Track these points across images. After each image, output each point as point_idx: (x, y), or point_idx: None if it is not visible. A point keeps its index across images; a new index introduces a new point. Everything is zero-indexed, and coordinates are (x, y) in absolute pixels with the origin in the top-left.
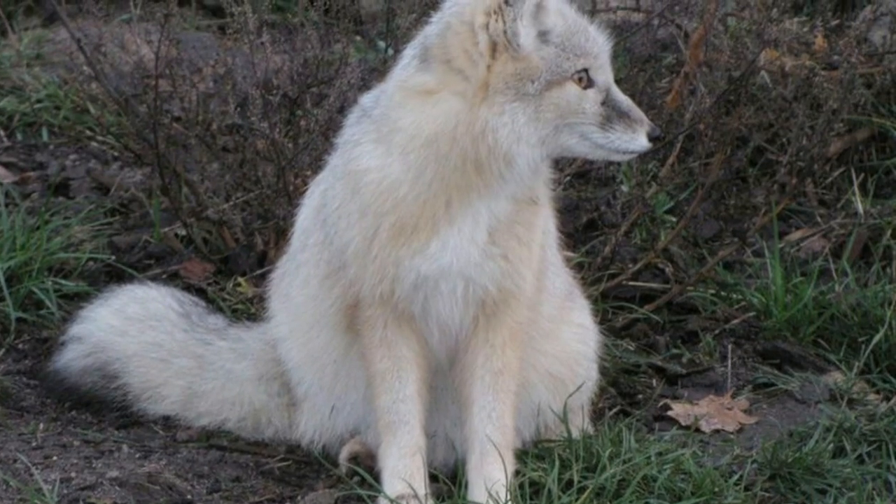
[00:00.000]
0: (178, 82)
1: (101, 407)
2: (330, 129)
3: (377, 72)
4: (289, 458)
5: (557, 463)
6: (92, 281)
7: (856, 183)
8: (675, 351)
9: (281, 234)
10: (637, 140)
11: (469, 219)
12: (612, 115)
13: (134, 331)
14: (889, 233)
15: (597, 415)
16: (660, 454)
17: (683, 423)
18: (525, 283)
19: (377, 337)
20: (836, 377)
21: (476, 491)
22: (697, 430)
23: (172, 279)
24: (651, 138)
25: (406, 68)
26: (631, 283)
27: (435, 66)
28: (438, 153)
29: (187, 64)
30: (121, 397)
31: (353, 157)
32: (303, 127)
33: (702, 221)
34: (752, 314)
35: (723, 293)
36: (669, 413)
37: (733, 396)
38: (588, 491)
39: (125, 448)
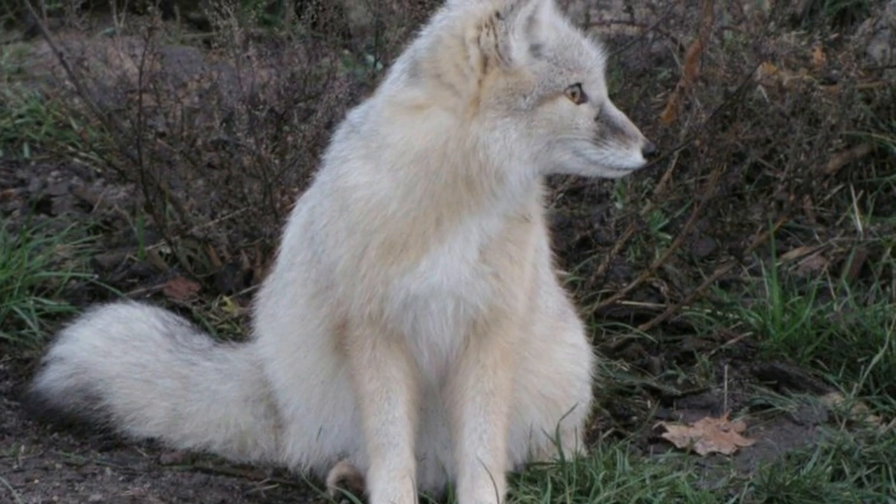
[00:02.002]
0: (163, 97)
1: (84, 429)
2: (317, 146)
3: (366, 86)
4: (275, 481)
5: (550, 486)
6: (74, 300)
7: (855, 200)
8: (670, 372)
9: (267, 253)
10: (631, 156)
11: (460, 237)
12: (605, 130)
13: (117, 351)
14: (889, 251)
15: (590, 437)
16: (654, 477)
17: (679, 446)
18: (517, 303)
19: (366, 357)
20: (834, 398)
21: None
22: (693, 452)
23: (157, 298)
24: (646, 154)
25: (395, 83)
26: (625, 302)
27: (425, 80)
28: (428, 170)
29: (172, 78)
30: (104, 419)
31: (342, 173)
32: (290, 143)
33: (697, 239)
34: (748, 334)
35: (719, 313)
36: (664, 435)
37: (730, 418)
38: None
39: (108, 471)
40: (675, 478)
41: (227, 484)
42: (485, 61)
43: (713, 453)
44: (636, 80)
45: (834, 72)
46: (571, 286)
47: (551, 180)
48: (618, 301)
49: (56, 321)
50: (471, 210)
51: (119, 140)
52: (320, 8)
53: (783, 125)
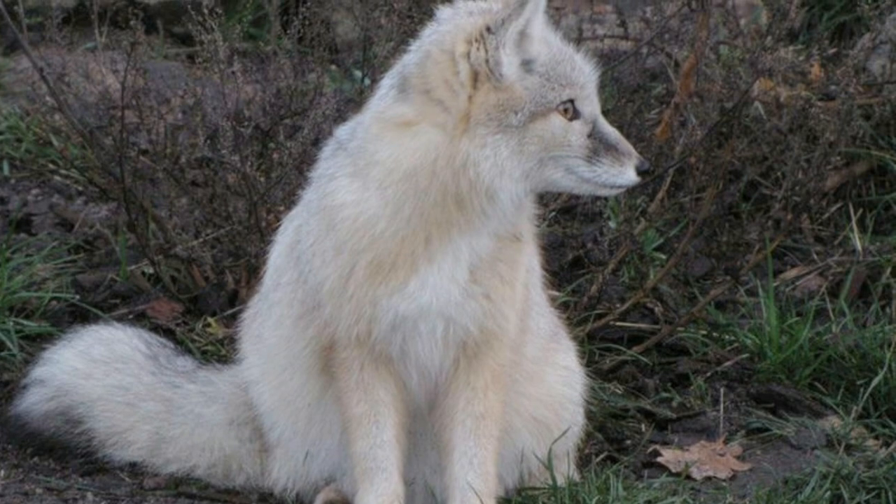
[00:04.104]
0: (146, 113)
1: (65, 453)
2: (304, 163)
3: (353, 102)
4: None
5: None
6: (55, 321)
7: (854, 218)
8: (664, 394)
9: (253, 273)
10: (625, 174)
11: (449, 256)
12: (598, 147)
13: (99, 373)
14: (888, 271)
15: (583, 461)
16: (649, 502)
17: (673, 470)
18: (508, 324)
19: (353, 380)
20: (833, 422)
21: None
22: (688, 477)
23: (139, 319)
24: (640, 172)
25: (383, 99)
26: (618, 323)
27: (414, 96)
28: (417, 187)
29: (155, 94)
30: (85, 443)
31: (329, 191)
32: (275, 160)
33: (693, 259)
34: (745, 356)
35: (715, 334)
36: (659, 459)
37: (726, 442)
38: None
39: (90, 496)
40: (669, 503)
41: None
42: (475, 77)
43: (709, 478)
44: (630, 95)
45: (832, 87)
46: (564, 307)
47: (543, 198)
48: (611, 322)
49: (36, 343)
50: (461, 229)
51: (101, 157)
52: (307, 22)
53: (780, 142)
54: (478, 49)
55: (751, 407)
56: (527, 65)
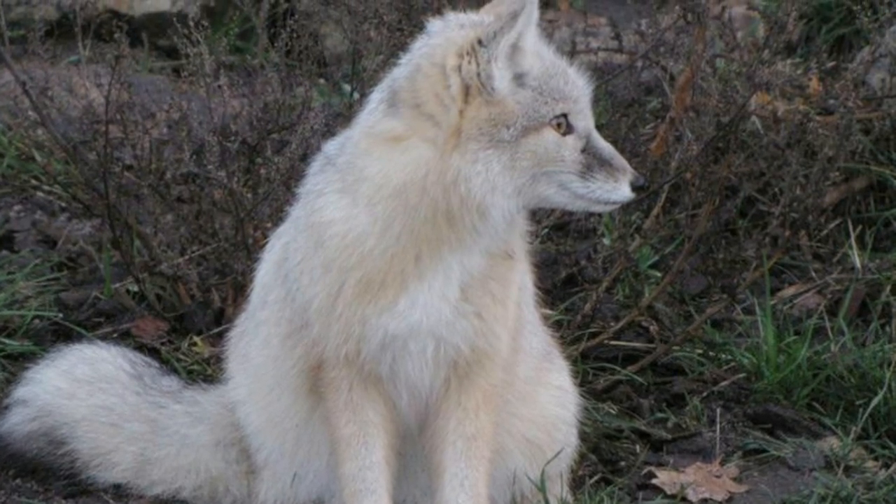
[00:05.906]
0: (130, 128)
1: (48, 475)
2: (291, 179)
3: (342, 117)
4: None
5: None
6: (38, 340)
7: (853, 235)
8: (659, 415)
9: (239, 291)
10: (619, 190)
11: (440, 274)
12: (592, 163)
13: (83, 393)
14: (888, 289)
15: (576, 483)
16: None
17: (669, 492)
18: (500, 343)
19: (342, 400)
20: (831, 443)
21: None
22: (684, 499)
23: (124, 338)
24: (634, 188)
25: (373, 113)
26: (613, 342)
27: (403, 110)
28: (407, 204)
29: (140, 108)
30: (69, 464)
31: (317, 208)
32: (263, 176)
33: (688, 277)
34: (742, 376)
35: (711, 353)
36: (654, 481)
37: (722, 463)
38: None
39: None
40: None
41: None
42: (466, 91)
43: (705, 500)
44: (625, 110)
45: (831, 102)
46: (557, 325)
47: (536, 215)
48: (605, 341)
49: (19, 362)
50: (451, 246)
51: (84, 173)
52: (294, 35)
53: (778, 157)
54: (469, 62)
55: (748, 427)
56: (519, 78)
